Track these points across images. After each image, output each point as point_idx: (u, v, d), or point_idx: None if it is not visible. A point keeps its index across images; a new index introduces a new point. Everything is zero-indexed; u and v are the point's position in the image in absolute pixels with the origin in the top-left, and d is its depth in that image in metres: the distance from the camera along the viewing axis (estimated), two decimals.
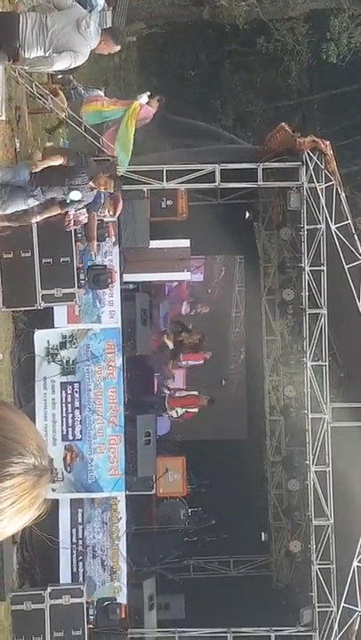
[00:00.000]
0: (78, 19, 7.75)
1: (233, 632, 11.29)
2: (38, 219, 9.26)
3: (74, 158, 9.20)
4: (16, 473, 1.18)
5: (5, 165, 9.74)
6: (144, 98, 10.96)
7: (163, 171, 11.49)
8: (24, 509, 1.21)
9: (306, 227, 11.40)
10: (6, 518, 1.19)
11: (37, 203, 9.06)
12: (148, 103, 11.00)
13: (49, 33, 7.65)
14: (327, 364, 11.56)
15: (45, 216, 9.20)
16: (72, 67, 8.05)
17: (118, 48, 8.50)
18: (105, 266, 11.20)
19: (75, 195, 8.99)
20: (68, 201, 9.06)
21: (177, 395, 13.37)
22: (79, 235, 10.77)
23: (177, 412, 13.12)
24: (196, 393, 13.46)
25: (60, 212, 9.28)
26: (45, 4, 7.90)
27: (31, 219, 9.27)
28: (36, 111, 11.77)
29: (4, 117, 10.04)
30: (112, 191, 9.64)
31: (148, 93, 11.17)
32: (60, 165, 9.03)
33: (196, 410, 13.28)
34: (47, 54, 7.74)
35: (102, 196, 9.40)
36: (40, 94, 11.08)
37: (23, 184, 8.91)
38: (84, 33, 7.73)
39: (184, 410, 13.19)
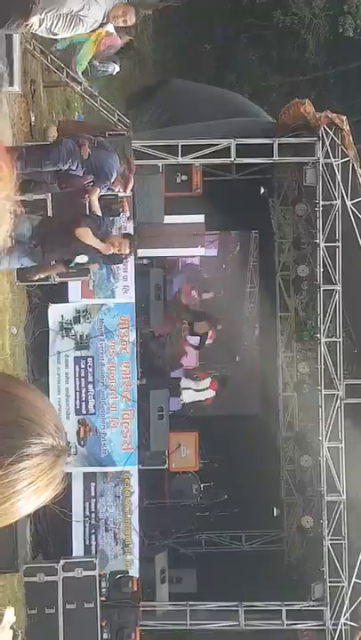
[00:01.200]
0: None
1: (244, 606, 11.37)
2: (35, 277, 8.79)
3: (86, 220, 8.24)
4: (34, 453, 1.19)
5: None
6: (110, 27, 10.27)
7: (178, 145, 11.43)
8: (41, 489, 1.22)
9: (321, 202, 11.33)
10: (23, 498, 1.20)
11: (33, 264, 8.17)
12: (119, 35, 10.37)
13: None
14: (341, 340, 11.54)
15: (44, 275, 8.48)
16: (79, 32, 7.80)
17: (134, 20, 8.40)
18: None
19: (81, 258, 8.07)
20: (73, 264, 8.19)
21: (193, 398, 13.40)
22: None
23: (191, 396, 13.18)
24: (209, 379, 13.44)
25: (63, 270, 8.56)
26: None
27: (31, 277, 8.72)
28: (51, 84, 11.73)
29: (19, 91, 10.01)
30: (127, 252, 8.70)
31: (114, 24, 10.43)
32: (66, 225, 8.03)
33: (213, 394, 13.32)
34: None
35: (114, 173, 9.16)
36: (56, 67, 11.04)
37: (22, 239, 7.95)
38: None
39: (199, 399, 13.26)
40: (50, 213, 9.06)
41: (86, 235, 8.03)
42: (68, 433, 10.42)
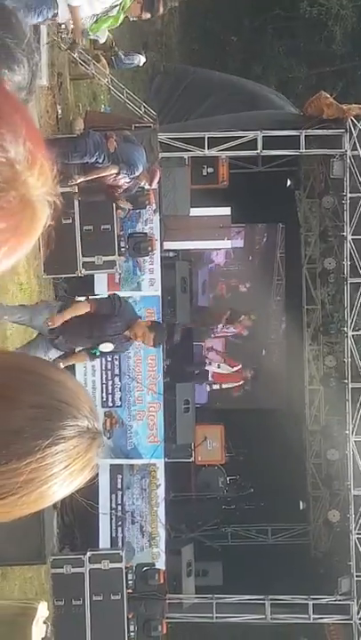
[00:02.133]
0: None
1: (270, 599, 11.35)
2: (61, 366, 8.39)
3: (104, 304, 7.62)
4: (70, 436, 1.19)
5: (20, 304, 8.24)
6: None
7: (204, 138, 11.40)
8: (76, 473, 1.22)
9: (348, 195, 11.27)
10: (59, 481, 1.19)
11: (60, 353, 7.62)
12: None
13: None
14: None
15: (67, 364, 7.77)
16: (88, 14, 7.66)
17: (148, 16, 8.33)
18: (145, 233, 11.17)
19: (105, 347, 7.38)
20: (98, 353, 7.54)
21: (222, 370, 13.38)
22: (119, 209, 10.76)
23: (220, 385, 13.16)
24: (239, 367, 13.42)
25: (87, 359, 8.07)
26: None
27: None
28: (78, 77, 11.73)
29: (46, 84, 10.02)
30: (151, 345, 7.90)
31: None
32: (88, 313, 7.39)
33: (241, 382, 13.29)
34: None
35: (140, 167, 9.13)
36: (82, 60, 11.04)
37: (41, 331, 7.51)
38: None
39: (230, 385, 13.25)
40: (77, 221, 9.05)
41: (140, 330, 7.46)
42: None
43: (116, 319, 7.41)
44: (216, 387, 13.33)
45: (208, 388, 13.38)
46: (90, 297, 8.35)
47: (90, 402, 1.25)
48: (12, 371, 1.21)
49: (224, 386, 13.28)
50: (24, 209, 0.83)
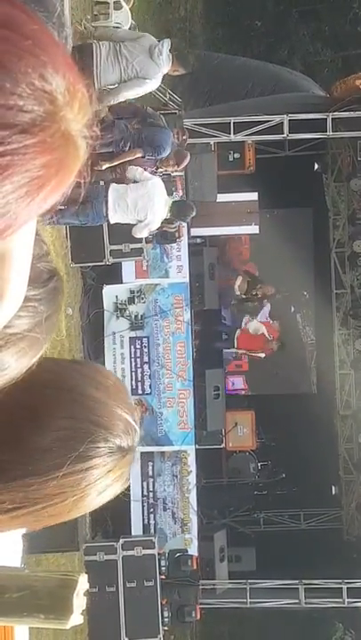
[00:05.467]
0: (151, 46, 7.93)
1: (304, 584, 11.34)
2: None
3: None
4: (99, 455, 1.20)
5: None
6: None
7: (230, 123, 11.35)
8: (107, 487, 1.23)
9: None
10: (89, 496, 1.21)
11: None
12: None
13: (124, 61, 7.88)
14: None
15: None
16: (140, 94, 8.22)
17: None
18: (170, 174, 10.89)
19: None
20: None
21: (249, 329, 13.14)
22: None
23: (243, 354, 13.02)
24: (272, 322, 13.19)
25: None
26: (113, 37, 8.15)
27: None
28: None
29: None
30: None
31: None
32: None
33: (263, 355, 13.08)
34: (122, 81, 7.95)
35: (167, 148, 9.11)
36: None
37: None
38: (157, 60, 7.92)
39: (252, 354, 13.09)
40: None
41: None
42: None
43: None
44: (238, 363, 13.19)
45: (233, 354, 13.22)
46: None
47: (128, 415, 1.25)
48: (50, 389, 1.21)
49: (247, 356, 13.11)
50: (67, 143, 0.81)
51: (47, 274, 1.12)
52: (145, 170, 9.18)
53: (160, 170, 9.76)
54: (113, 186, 8.40)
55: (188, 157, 10.05)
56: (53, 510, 1.19)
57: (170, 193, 10.88)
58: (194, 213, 9.34)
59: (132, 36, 8.25)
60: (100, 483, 1.21)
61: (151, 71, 7.96)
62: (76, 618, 3.49)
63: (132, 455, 1.25)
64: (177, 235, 10.97)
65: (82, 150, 0.85)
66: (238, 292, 13.26)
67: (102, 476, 1.20)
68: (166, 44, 8.03)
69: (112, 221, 8.52)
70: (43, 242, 1.13)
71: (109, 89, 8.08)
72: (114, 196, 8.35)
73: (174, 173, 10.89)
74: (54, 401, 1.21)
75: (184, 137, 9.62)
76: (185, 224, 10.44)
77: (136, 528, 11.27)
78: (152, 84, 8.13)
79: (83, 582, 3.51)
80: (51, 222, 8.55)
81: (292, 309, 14.27)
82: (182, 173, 11.09)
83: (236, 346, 13.02)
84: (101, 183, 8.54)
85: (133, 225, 8.55)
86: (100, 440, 1.20)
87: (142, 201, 8.25)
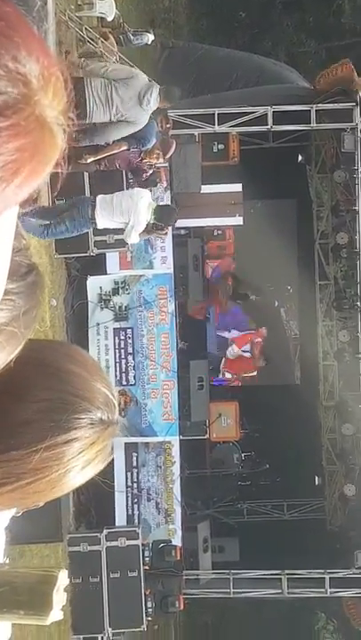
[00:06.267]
0: (140, 92, 8.17)
1: (287, 574, 11.40)
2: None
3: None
4: (80, 427, 1.20)
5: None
6: None
7: (214, 114, 11.35)
8: (89, 462, 1.23)
9: (360, 169, 11.20)
10: (72, 471, 1.22)
11: None
12: None
13: (114, 108, 8.18)
14: None
15: None
16: (125, 135, 8.51)
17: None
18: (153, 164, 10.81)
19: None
20: None
21: (235, 353, 13.30)
22: (130, 180, 10.71)
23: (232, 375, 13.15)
24: (253, 330, 13.28)
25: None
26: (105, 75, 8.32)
27: None
28: (85, 55, 11.66)
29: None
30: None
31: None
32: None
33: (254, 373, 13.25)
34: (110, 122, 8.29)
35: (151, 139, 9.09)
36: (90, 38, 10.98)
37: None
38: (145, 107, 8.22)
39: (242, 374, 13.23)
40: (88, 193, 9.26)
41: None
42: None
43: None
44: (228, 375, 13.33)
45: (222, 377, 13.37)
46: None
47: (106, 390, 1.26)
48: (26, 365, 1.21)
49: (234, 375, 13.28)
50: (41, 128, 0.80)
51: (26, 268, 1.11)
52: (130, 162, 9.24)
53: (145, 161, 9.76)
54: (100, 195, 8.64)
55: (175, 146, 10.05)
56: (38, 486, 1.18)
57: (154, 185, 10.89)
58: (177, 217, 9.53)
59: (123, 75, 8.40)
60: (84, 456, 1.21)
61: (139, 117, 8.30)
62: (56, 614, 3.50)
63: (113, 428, 1.25)
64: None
65: (58, 138, 0.83)
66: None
67: (85, 448, 1.20)
68: (155, 90, 8.28)
69: (99, 226, 8.63)
70: (22, 236, 1.12)
71: (99, 126, 8.37)
72: (100, 200, 8.50)
73: (159, 165, 10.88)
74: (34, 375, 1.21)
75: (168, 125, 9.65)
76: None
77: (120, 519, 11.29)
78: (139, 126, 8.42)
79: (63, 578, 3.52)
80: (42, 235, 8.63)
81: (276, 304, 14.31)
82: (167, 164, 11.08)
83: (226, 372, 13.16)
84: (87, 193, 8.74)
85: (120, 230, 8.68)
86: (80, 411, 1.20)
87: (126, 203, 8.38)
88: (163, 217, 8.75)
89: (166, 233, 9.92)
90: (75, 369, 1.24)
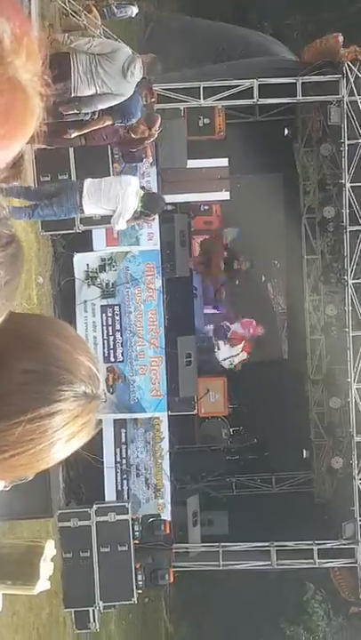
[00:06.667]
0: (124, 64, 8.22)
1: (276, 546, 11.50)
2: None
3: None
4: (63, 399, 1.19)
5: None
6: None
7: (199, 88, 11.28)
8: (74, 435, 1.23)
9: (347, 142, 11.18)
10: (57, 444, 1.21)
11: None
12: None
13: (99, 81, 8.22)
14: None
15: None
16: (110, 104, 8.56)
17: None
18: (143, 187, 10.94)
19: None
20: None
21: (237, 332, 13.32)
22: (116, 155, 10.65)
23: (232, 361, 13.17)
24: (243, 343, 13.34)
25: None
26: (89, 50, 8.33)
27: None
28: (69, 29, 11.54)
29: (36, 35, 9.85)
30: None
31: None
32: None
33: (246, 357, 13.28)
34: (96, 94, 8.33)
35: (137, 114, 9.03)
36: (73, 11, 10.87)
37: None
38: (129, 79, 8.26)
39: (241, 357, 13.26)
40: (73, 177, 9.28)
41: None
42: None
43: None
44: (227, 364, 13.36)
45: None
46: None
47: (90, 364, 1.25)
48: (10, 337, 1.21)
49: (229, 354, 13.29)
50: (14, 90, 0.78)
51: (6, 238, 1.11)
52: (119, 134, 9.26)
53: (132, 135, 9.74)
54: (88, 179, 8.63)
55: (160, 120, 9.99)
56: (22, 459, 1.18)
57: (140, 160, 10.84)
58: (164, 205, 9.51)
59: (107, 49, 8.39)
60: (68, 429, 1.20)
61: (123, 89, 8.32)
62: (44, 584, 3.52)
63: (97, 402, 1.25)
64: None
65: (34, 101, 0.82)
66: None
67: (69, 421, 1.20)
68: (138, 62, 8.32)
69: (86, 212, 8.65)
70: (1, 205, 1.11)
71: (84, 97, 8.36)
72: (88, 185, 8.50)
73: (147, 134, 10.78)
74: (18, 348, 1.21)
75: (152, 99, 9.61)
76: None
77: (110, 494, 11.34)
78: (124, 97, 8.44)
79: (50, 548, 3.54)
80: (26, 216, 8.60)
81: (263, 279, 14.31)
82: (155, 134, 10.99)
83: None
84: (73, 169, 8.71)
85: (108, 216, 8.70)
86: (64, 383, 1.20)
87: (114, 189, 8.40)
88: (150, 205, 8.76)
89: (153, 219, 9.93)
90: (58, 342, 1.24)
